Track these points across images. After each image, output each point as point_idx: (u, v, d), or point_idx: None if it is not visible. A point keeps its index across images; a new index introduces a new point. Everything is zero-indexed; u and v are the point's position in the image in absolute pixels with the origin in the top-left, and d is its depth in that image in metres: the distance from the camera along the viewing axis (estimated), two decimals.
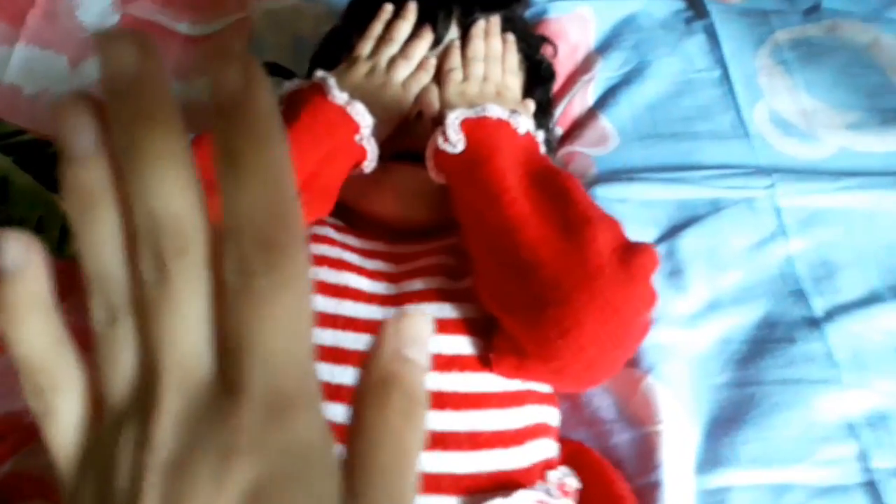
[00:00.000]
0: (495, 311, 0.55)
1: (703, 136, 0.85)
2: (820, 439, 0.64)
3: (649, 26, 0.95)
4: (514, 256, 0.52)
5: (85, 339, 0.23)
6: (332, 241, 0.61)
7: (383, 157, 0.62)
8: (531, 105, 0.70)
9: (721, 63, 0.91)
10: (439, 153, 0.58)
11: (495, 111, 0.58)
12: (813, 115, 0.87)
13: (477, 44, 0.67)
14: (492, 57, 0.67)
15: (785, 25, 0.96)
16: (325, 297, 0.56)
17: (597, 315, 0.50)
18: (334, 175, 0.59)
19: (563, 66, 0.91)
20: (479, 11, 0.70)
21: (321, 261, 0.58)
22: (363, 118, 0.58)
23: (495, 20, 0.70)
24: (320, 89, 0.58)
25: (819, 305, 0.72)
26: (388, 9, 0.69)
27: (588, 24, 0.95)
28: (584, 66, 0.91)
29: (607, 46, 0.93)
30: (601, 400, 0.66)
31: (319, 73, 0.60)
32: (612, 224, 0.57)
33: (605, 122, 0.86)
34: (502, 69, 0.68)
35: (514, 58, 0.70)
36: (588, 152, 0.84)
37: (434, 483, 0.51)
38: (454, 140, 0.57)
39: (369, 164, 0.61)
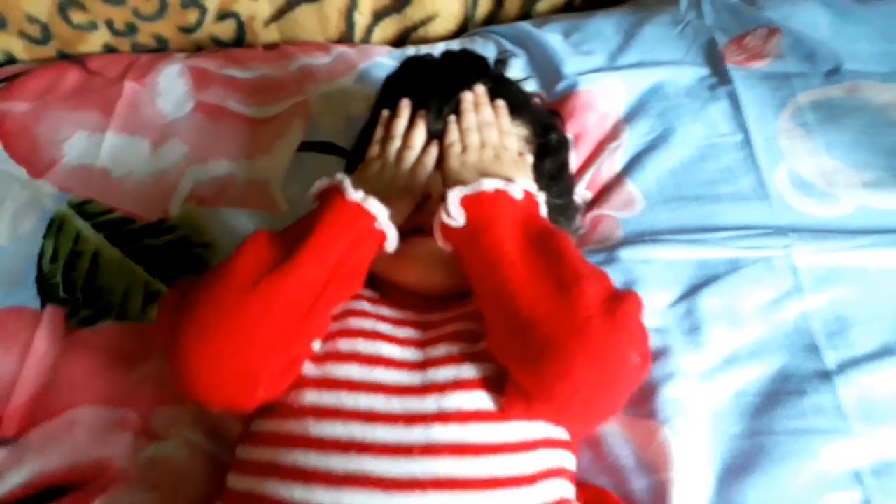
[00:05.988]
0: (504, 362, 0.63)
1: (725, 198, 0.90)
2: (826, 486, 0.68)
3: (675, 94, 1.01)
4: (516, 317, 0.61)
5: None
6: (366, 314, 0.70)
7: (403, 234, 0.71)
8: (529, 158, 0.78)
9: (743, 128, 0.96)
10: (444, 227, 0.67)
11: (490, 184, 0.67)
12: (832, 174, 0.91)
13: (468, 116, 0.76)
14: (484, 123, 0.76)
15: (806, 88, 1.00)
16: (360, 365, 0.65)
17: (585, 361, 0.59)
18: (360, 259, 0.69)
19: (592, 134, 0.98)
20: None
21: (357, 333, 0.68)
22: (378, 210, 0.68)
23: (480, 90, 0.79)
24: (338, 190, 0.68)
25: (831, 359, 0.76)
26: (385, 113, 0.79)
27: (617, 95, 1.02)
28: (613, 134, 0.98)
29: (635, 115, 1.00)
30: (621, 449, 0.72)
31: (338, 176, 0.70)
32: (601, 277, 0.65)
33: (631, 186, 0.92)
34: (498, 132, 0.76)
35: (506, 119, 0.79)
36: (615, 215, 0.90)
37: None
38: (455, 216, 0.66)
39: (390, 244, 0.70)
